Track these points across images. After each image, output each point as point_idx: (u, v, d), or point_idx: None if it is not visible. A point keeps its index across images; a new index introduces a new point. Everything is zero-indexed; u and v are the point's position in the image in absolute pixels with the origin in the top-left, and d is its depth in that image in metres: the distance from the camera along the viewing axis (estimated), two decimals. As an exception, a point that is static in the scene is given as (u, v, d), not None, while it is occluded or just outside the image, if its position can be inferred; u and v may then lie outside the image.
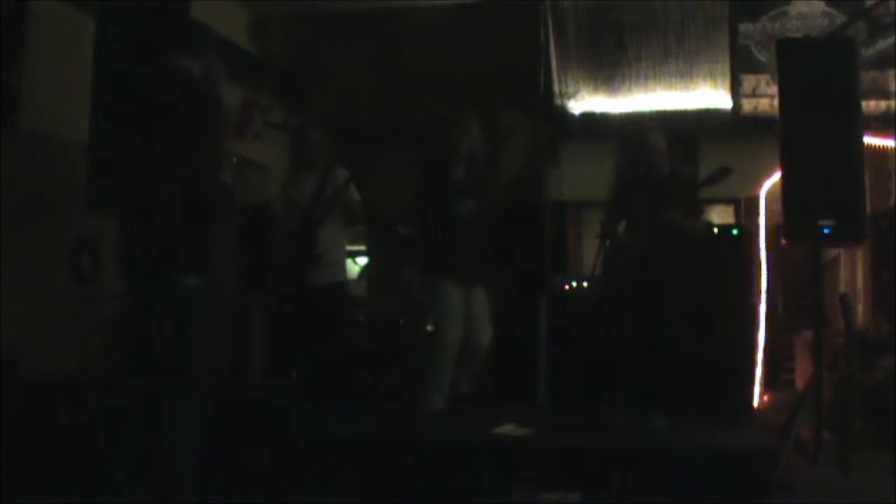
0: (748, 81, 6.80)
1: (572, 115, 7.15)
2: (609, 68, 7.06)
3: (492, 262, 4.97)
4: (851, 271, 7.37)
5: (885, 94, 6.48)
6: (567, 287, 5.88)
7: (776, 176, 4.88)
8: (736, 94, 6.80)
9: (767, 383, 5.93)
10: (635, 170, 4.99)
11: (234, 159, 5.86)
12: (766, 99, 6.71)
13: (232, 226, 5.57)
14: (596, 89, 7.12)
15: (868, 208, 4.59)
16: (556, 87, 7.11)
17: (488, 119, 5.13)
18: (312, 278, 4.94)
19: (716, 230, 5.44)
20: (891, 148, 6.33)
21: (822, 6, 6.64)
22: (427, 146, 5.30)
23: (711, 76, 6.90)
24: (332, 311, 5.10)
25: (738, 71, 6.80)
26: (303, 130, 5.25)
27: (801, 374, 6.64)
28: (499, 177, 5.09)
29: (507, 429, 4.39)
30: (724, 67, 6.84)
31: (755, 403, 5.44)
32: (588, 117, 7.13)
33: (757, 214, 6.40)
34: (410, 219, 5.33)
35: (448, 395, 4.79)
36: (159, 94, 3.14)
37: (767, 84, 6.66)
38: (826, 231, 4.38)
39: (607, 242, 4.84)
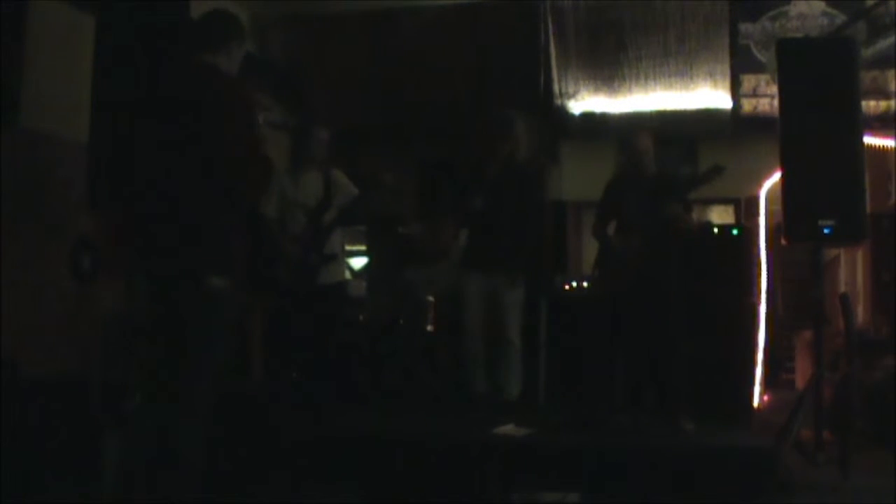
0: (748, 81, 6.81)
1: (572, 115, 7.15)
2: (609, 68, 7.06)
3: (521, 257, 5.00)
4: (851, 271, 7.37)
5: (885, 94, 6.48)
6: (567, 287, 5.88)
7: (776, 176, 4.88)
8: (736, 94, 6.80)
9: (767, 383, 5.93)
10: (623, 171, 5.02)
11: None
12: (766, 99, 6.71)
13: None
14: (596, 89, 7.12)
15: (868, 208, 4.59)
16: (556, 87, 7.11)
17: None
18: (320, 278, 4.97)
19: (716, 230, 5.44)
20: (891, 148, 6.33)
21: (822, 6, 6.65)
22: (429, 146, 5.33)
23: (711, 76, 6.90)
24: (335, 311, 5.14)
25: (738, 71, 6.80)
26: (304, 130, 5.25)
27: (801, 374, 6.65)
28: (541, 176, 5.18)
29: (507, 429, 4.38)
30: (724, 67, 6.84)
31: (755, 403, 5.44)
32: (588, 117, 7.13)
33: (757, 214, 6.41)
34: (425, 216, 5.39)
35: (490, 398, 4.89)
36: (186, 92, 3.10)
37: (767, 84, 6.66)
38: (826, 231, 4.38)
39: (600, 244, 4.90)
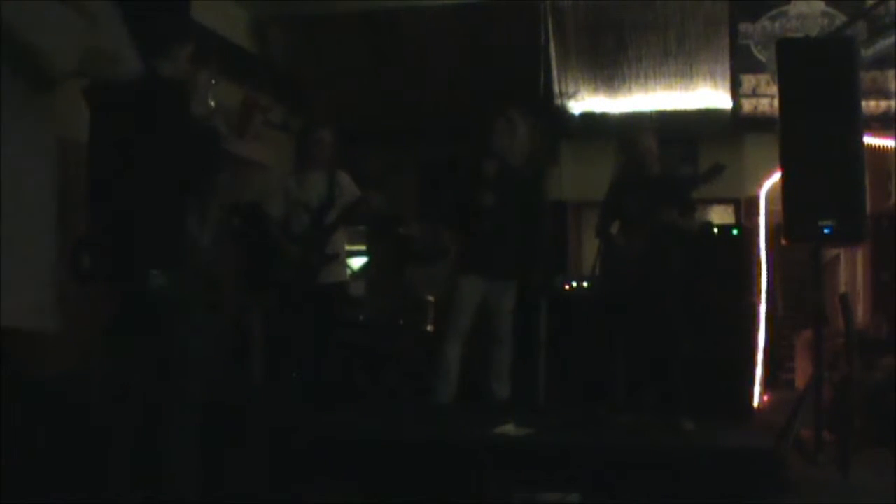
0: (748, 81, 6.80)
1: (572, 115, 7.15)
2: (609, 68, 7.06)
3: (519, 259, 5.00)
4: (851, 271, 7.37)
5: (885, 94, 6.48)
6: (567, 287, 5.88)
7: (776, 176, 4.88)
8: (736, 94, 6.80)
9: (767, 383, 5.92)
10: (626, 171, 5.01)
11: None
12: (766, 99, 6.71)
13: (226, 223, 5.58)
14: (596, 89, 7.12)
15: (868, 208, 4.59)
16: (556, 87, 7.11)
17: (488, 119, 5.14)
18: (321, 278, 4.98)
19: (716, 230, 5.44)
20: (891, 148, 6.33)
21: (822, 6, 6.64)
22: (429, 146, 5.34)
23: (711, 76, 6.90)
24: (336, 311, 5.14)
25: (738, 71, 6.80)
26: (307, 131, 5.26)
27: (801, 374, 6.64)
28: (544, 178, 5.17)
29: (507, 429, 4.39)
30: (724, 67, 6.84)
31: (755, 403, 5.44)
32: (588, 117, 7.13)
33: (757, 214, 6.40)
34: (428, 216, 5.39)
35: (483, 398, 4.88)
36: (132, 94, 3.17)
37: (767, 84, 6.66)
38: (826, 231, 4.38)
39: (601, 244, 4.90)
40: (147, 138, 3.10)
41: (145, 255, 3.13)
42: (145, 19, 3.35)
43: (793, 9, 6.73)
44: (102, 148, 3.21)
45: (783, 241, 4.65)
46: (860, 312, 6.57)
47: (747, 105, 6.80)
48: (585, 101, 7.13)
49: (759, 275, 5.92)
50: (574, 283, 5.88)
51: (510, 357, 4.97)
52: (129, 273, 3.11)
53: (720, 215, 7.16)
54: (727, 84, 6.82)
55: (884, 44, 6.43)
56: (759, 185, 6.37)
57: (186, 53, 3.36)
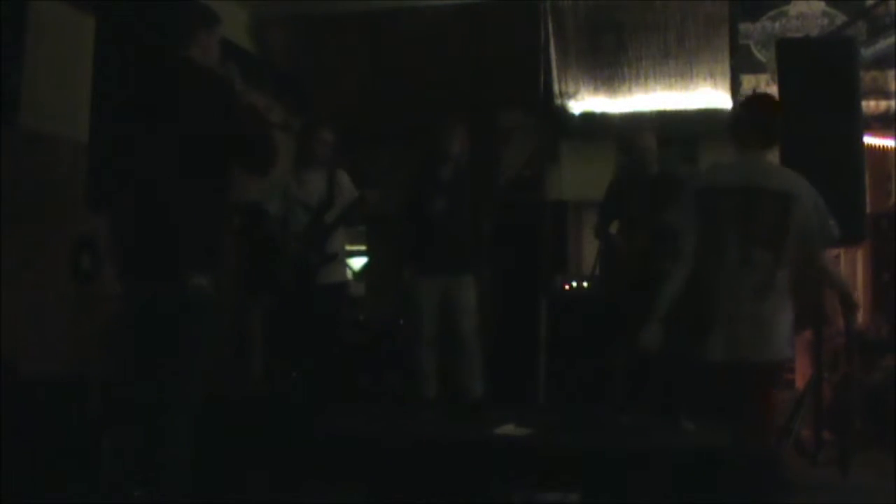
0: (748, 81, 6.80)
1: (572, 115, 7.15)
2: (609, 68, 7.05)
3: (475, 256, 5.00)
4: (851, 271, 7.36)
5: (885, 94, 6.48)
6: (567, 287, 5.88)
7: (776, 176, 4.87)
8: (736, 94, 6.79)
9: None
10: (626, 171, 5.02)
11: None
12: (765, 99, 6.71)
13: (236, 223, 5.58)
14: (596, 89, 7.12)
15: (868, 208, 4.59)
16: (556, 87, 7.10)
17: (488, 119, 5.16)
18: (321, 278, 4.98)
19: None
20: (891, 148, 6.33)
21: (822, 6, 6.64)
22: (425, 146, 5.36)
23: (711, 76, 6.89)
24: (336, 311, 5.14)
25: (738, 71, 6.80)
26: (306, 130, 5.26)
27: (801, 374, 6.64)
28: (495, 176, 5.17)
29: (507, 429, 4.39)
30: (724, 67, 6.84)
31: (755, 403, 5.43)
32: (588, 117, 7.13)
33: (757, 214, 6.38)
34: (395, 216, 5.39)
35: (454, 398, 4.87)
36: (164, 90, 3.09)
37: (767, 84, 6.66)
38: (826, 231, 4.37)
39: (601, 244, 4.90)
40: (192, 132, 2.97)
41: (188, 256, 3.01)
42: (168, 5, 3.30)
43: (793, 9, 6.72)
44: (124, 145, 3.10)
45: (783, 241, 4.63)
46: (860, 312, 6.57)
47: (747, 105, 6.79)
48: (585, 101, 7.13)
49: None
50: (574, 283, 5.87)
51: (478, 355, 4.94)
52: (168, 274, 2.99)
53: (720, 215, 7.14)
54: (727, 84, 6.82)
55: (884, 44, 6.43)
56: (759, 185, 6.35)
57: (215, 39, 3.25)
